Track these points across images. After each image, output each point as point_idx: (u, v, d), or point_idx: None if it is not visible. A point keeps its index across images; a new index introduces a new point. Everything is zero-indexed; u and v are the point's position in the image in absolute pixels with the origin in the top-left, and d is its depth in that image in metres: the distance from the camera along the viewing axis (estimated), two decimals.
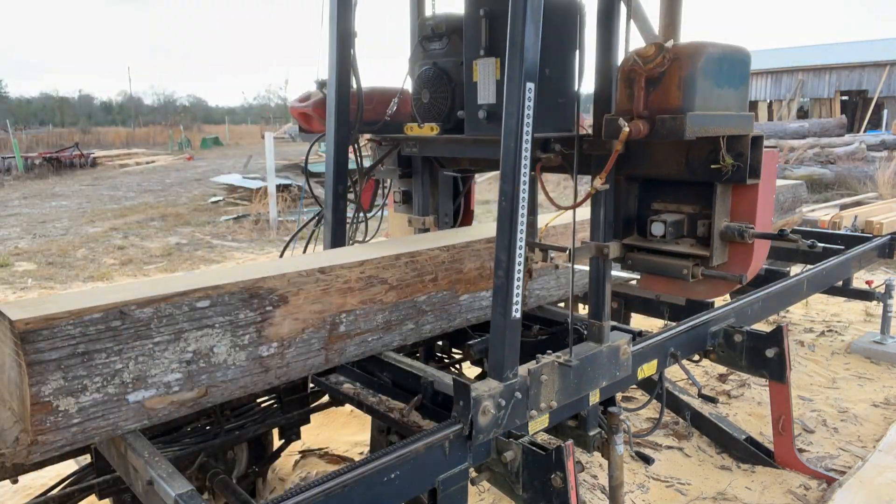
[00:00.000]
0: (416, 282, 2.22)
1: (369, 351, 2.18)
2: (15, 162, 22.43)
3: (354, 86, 2.75)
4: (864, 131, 20.84)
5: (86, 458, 2.43)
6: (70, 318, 1.51)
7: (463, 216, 3.26)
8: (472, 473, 2.02)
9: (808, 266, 3.85)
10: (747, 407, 3.93)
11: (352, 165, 2.87)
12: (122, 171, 22.79)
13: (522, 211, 1.93)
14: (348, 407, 3.08)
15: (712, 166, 2.13)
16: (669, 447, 3.46)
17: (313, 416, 2.95)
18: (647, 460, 3.00)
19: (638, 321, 4.38)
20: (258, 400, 2.79)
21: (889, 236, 4.74)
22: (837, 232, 4.98)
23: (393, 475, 1.73)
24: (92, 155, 24.90)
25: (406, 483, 1.77)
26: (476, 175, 3.29)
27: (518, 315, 1.95)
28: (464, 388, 1.89)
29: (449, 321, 2.38)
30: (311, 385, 2.86)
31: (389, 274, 2.15)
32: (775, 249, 4.28)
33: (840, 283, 4.53)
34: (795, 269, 3.95)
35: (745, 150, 2.12)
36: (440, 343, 3.18)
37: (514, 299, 1.92)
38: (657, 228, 2.27)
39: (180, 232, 10.95)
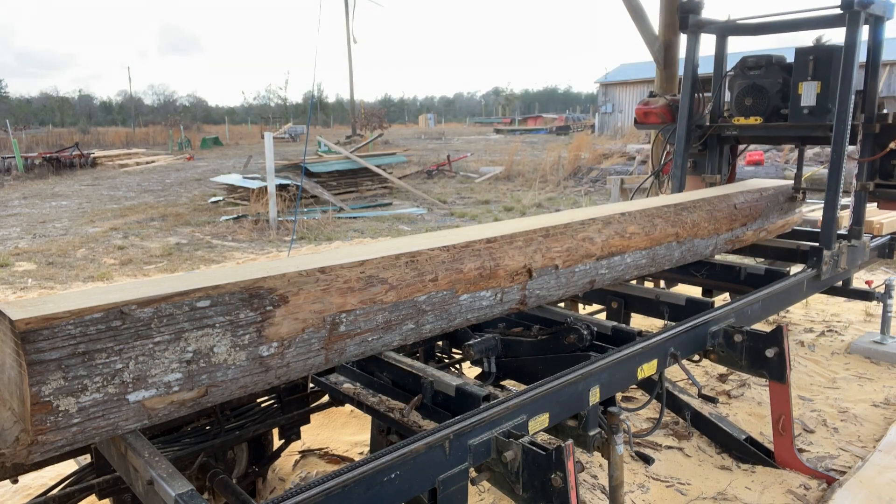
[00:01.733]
0: (416, 282, 2.22)
1: (369, 351, 2.17)
2: (15, 162, 22.44)
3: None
4: None
5: (86, 458, 2.43)
6: (70, 318, 1.50)
7: (730, 175, 4.83)
8: (472, 473, 2.02)
9: (808, 266, 3.85)
10: (747, 407, 3.93)
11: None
12: (122, 171, 22.79)
13: (844, 163, 3.68)
14: (348, 407, 3.09)
15: None
16: (669, 447, 3.46)
17: (313, 416, 2.95)
18: (647, 460, 3.00)
19: (638, 321, 4.37)
20: (258, 400, 2.79)
21: (889, 236, 4.74)
22: (837, 232, 4.97)
23: (393, 475, 1.73)
24: (92, 155, 24.89)
25: (406, 483, 1.77)
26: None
27: (837, 215, 3.72)
28: (819, 250, 3.76)
29: (449, 321, 2.38)
30: (311, 385, 2.86)
31: (389, 274, 2.15)
32: (775, 249, 4.31)
33: (840, 283, 4.53)
34: (795, 269, 3.96)
35: None
36: (440, 343, 3.18)
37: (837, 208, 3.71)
38: None
39: (180, 232, 10.95)
